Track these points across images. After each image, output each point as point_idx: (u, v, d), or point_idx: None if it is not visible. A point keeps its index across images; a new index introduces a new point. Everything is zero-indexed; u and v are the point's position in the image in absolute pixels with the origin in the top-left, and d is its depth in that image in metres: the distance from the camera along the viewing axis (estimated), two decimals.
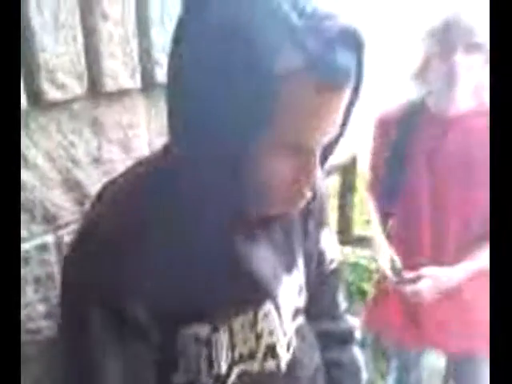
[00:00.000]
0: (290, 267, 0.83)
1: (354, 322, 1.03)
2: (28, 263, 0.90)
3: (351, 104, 0.66)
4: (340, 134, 0.70)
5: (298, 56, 0.54)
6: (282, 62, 0.54)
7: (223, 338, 0.73)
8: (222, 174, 0.62)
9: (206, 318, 0.71)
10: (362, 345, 1.07)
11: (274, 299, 0.77)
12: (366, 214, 1.81)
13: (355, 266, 2.10)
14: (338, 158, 1.51)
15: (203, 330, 0.71)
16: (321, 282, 0.96)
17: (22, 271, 0.90)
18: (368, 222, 2.30)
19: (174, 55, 0.63)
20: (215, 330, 0.72)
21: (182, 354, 0.72)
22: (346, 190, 1.56)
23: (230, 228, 0.71)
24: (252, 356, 0.77)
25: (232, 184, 0.64)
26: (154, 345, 0.69)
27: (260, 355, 0.78)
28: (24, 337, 0.91)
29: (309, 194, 0.66)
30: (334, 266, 0.97)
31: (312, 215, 0.89)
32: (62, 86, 0.87)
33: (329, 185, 1.61)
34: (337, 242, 1.04)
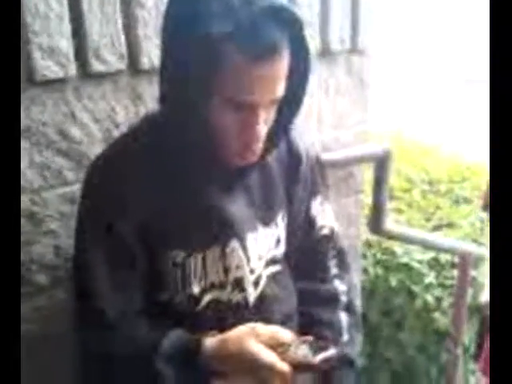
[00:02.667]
0: (267, 221, 0.97)
1: (342, 288, 1.11)
2: (73, 202, 1.14)
3: (299, 73, 0.80)
4: (298, 97, 0.84)
5: (228, 23, 0.69)
6: (217, 27, 0.70)
7: (196, 264, 0.90)
8: (193, 129, 0.80)
9: (181, 245, 0.89)
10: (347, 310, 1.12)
11: (241, 240, 0.93)
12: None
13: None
14: (370, 148, 1.58)
15: (179, 254, 0.89)
16: (311, 246, 1.08)
17: (69, 210, 1.14)
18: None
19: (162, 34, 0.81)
20: (189, 256, 0.90)
21: (162, 275, 0.90)
22: (379, 185, 1.62)
23: (206, 177, 0.88)
24: (222, 286, 0.93)
25: (200, 136, 0.81)
26: (139, 264, 0.89)
27: (228, 286, 0.94)
28: None
29: (257, 148, 0.81)
30: (323, 232, 1.09)
31: (299, 180, 1.02)
32: (105, 62, 1.09)
33: (363, 178, 1.68)
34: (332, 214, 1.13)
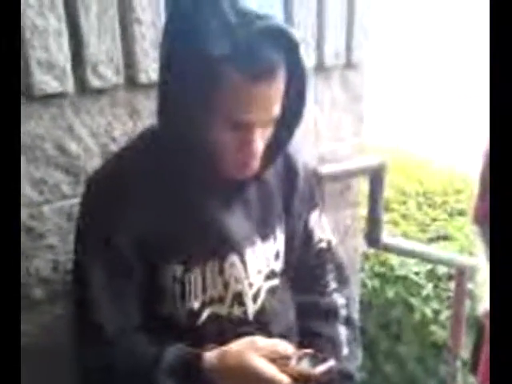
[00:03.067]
0: (265, 235, 0.98)
1: (341, 301, 1.10)
2: (71, 217, 1.14)
3: (296, 93, 0.81)
4: (295, 116, 0.84)
5: (226, 43, 0.70)
6: (214, 46, 0.71)
7: (195, 278, 0.90)
8: (192, 145, 0.81)
9: (180, 260, 0.89)
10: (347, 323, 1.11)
11: (240, 254, 0.93)
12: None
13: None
14: (365, 161, 1.60)
15: (178, 269, 0.89)
16: (309, 260, 1.09)
17: (67, 224, 1.14)
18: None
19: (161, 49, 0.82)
20: (188, 270, 0.89)
21: (161, 290, 0.90)
22: (375, 198, 1.63)
23: (205, 192, 0.89)
24: (221, 300, 0.93)
25: (198, 151, 0.81)
26: (138, 279, 0.88)
27: (228, 301, 0.94)
28: None
29: (254, 164, 0.82)
30: (321, 245, 1.09)
31: (296, 193, 1.03)
32: (102, 77, 1.10)
33: (359, 190, 1.69)
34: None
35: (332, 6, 1.41)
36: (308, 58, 1.41)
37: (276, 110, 0.80)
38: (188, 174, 0.86)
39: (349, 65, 1.51)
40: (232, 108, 0.76)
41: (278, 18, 0.76)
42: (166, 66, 0.81)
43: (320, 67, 1.45)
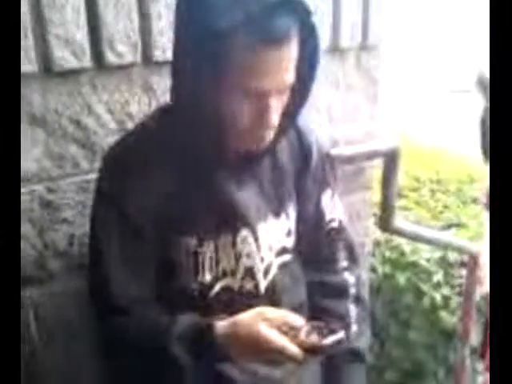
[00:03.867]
0: (277, 212, 0.99)
1: (352, 280, 1.12)
2: (88, 191, 1.16)
3: (308, 62, 0.82)
4: (305, 88, 0.86)
5: (238, 12, 0.72)
6: (227, 20, 0.72)
7: (208, 252, 0.92)
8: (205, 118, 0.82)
9: (193, 233, 0.90)
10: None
11: (251, 229, 0.94)
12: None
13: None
14: (379, 144, 1.59)
15: (191, 242, 0.91)
16: (320, 237, 1.10)
17: (83, 198, 1.16)
18: None
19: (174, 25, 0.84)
20: (201, 243, 0.91)
21: (174, 263, 0.92)
22: (388, 181, 1.62)
23: (217, 166, 0.90)
24: (233, 274, 0.95)
25: (211, 126, 0.83)
26: (152, 250, 0.90)
27: (239, 274, 0.95)
28: None
29: (269, 134, 0.84)
30: (333, 225, 1.10)
31: (309, 173, 1.03)
32: (119, 54, 1.11)
33: (372, 175, 1.69)
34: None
35: None
36: (323, 39, 1.41)
37: (290, 77, 0.81)
38: (201, 149, 0.87)
39: (364, 47, 1.50)
40: (246, 76, 0.77)
41: None
42: (178, 41, 0.83)
43: (335, 48, 1.45)
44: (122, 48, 1.11)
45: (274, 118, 0.83)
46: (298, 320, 0.84)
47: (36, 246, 1.13)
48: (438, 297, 2.08)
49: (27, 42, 1.02)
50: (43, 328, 1.17)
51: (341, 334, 0.80)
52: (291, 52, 0.78)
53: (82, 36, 1.07)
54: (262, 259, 0.97)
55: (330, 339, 0.80)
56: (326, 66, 1.45)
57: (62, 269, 1.17)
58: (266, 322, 0.81)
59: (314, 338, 0.80)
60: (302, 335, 0.81)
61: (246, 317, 0.84)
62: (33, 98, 1.07)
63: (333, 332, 0.81)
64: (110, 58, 1.11)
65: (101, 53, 1.10)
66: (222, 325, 0.84)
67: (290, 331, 0.81)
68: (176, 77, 0.86)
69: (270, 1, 0.72)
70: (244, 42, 0.74)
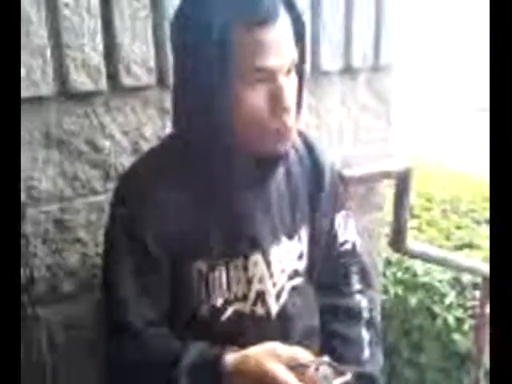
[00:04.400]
0: (290, 234, 0.99)
1: (364, 303, 1.11)
2: (101, 211, 1.17)
3: (299, 42, 0.85)
4: (301, 62, 0.88)
5: (231, 8, 0.77)
6: (222, 15, 0.77)
7: (220, 276, 0.92)
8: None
9: (205, 257, 0.90)
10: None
11: (264, 252, 0.94)
12: None
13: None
14: (391, 165, 1.59)
15: (203, 266, 0.91)
16: (333, 260, 1.09)
17: (96, 218, 1.17)
18: None
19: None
20: (213, 267, 0.91)
21: (186, 286, 0.92)
22: (400, 202, 1.62)
23: (231, 189, 0.90)
24: (244, 298, 0.95)
25: (223, 131, 0.83)
26: (165, 275, 0.91)
27: (251, 299, 0.95)
28: None
29: (290, 121, 0.84)
30: (346, 247, 1.10)
31: (323, 193, 1.03)
32: (135, 76, 1.13)
33: (385, 195, 1.69)
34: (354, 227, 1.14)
35: (360, 8, 1.42)
36: (335, 60, 1.42)
37: (291, 53, 0.83)
38: (213, 171, 0.87)
39: (376, 68, 1.51)
40: (250, 58, 0.79)
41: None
42: (178, 56, 0.86)
43: (347, 69, 1.46)
44: (138, 71, 1.13)
45: (289, 99, 0.83)
46: (307, 356, 0.83)
47: (49, 265, 1.14)
48: (450, 319, 2.05)
49: (46, 65, 1.03)
50: (55, 348, 1.17)
51: (348, 376, 0.80)
52: (285, 29, 0.81)
53: (98, 59, 1.08)
54: (274, 284, 0.96)
55: (339, 382, 0.79)
56: (337, 86, 1.46)
57: (75, 289, 1.17)
58: (275, 358, 0.80)
59: (323, 376, 0.80)
60: (311, 372, 0.80)
61: (255, 351, 0.83)
62: (49, 119, 1.08)
63: (342, 373, 0.80)
64: (126, 80, 1.12)
65: (117, 75, 1.11)
66: (232, 357, 0.83)
67: (298, 367, 0.81)
68: (180, 95, 0.88)
69: None
70: (240, 28, 0.77)
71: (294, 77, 0.86)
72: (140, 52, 1.12)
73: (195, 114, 0.84)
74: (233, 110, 0.81)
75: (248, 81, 0.80)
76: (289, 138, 0.86)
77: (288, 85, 0.83)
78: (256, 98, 0.81)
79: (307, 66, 1.31)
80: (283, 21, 0.81)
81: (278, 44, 0.80)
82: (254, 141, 0.85)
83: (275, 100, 0.82)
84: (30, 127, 1.07)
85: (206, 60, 0.78)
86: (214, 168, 0.87)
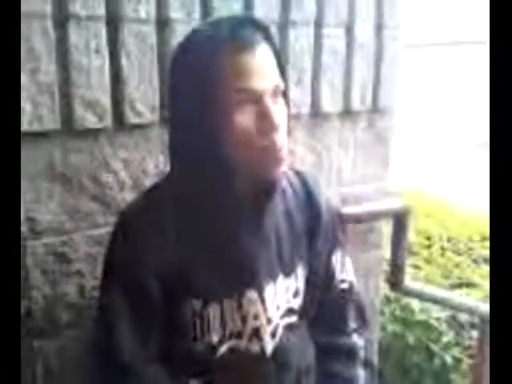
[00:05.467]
0: (287, 272, 1.00)
1: (361, 343, 1.11)
2: (101, 244, 1.18)
3: (281, 67, 0.91)
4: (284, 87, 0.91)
5: (218, 37, 0.84)
6: (211, 45, 0.84)
7: (214, 313, 0.93)
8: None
9: (199, 295, 0.91)
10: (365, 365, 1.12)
11: (259, 290, 0.95)
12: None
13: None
14: (389, 204, 1.61)
15: (197, 304, 0.92)
16: (330, 299, 1.10)
17: (95, 251, 1.19)
18: None
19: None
20: (206, 305, 0.92)
21: (181, 324, 0.93)
22: (398, 241, 1.63)
23: (226, 220, 0.91)
24: (239, 335, 0.95)
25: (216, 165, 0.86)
26: (160, 314, 0.91)
27: (246, 335, 0.95)
28: None
29: (280, 142, 0.87)
30: (343, 286, 1.11)
31: (320, 232, 1.05)
32: (139, 114, 1.16)
33: (383, 233, 1.71)
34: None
35: (360, 52, 1.46)
36: (335, 102, 1.46)
37: (274, 78, 0.87)
38: (208, 209, 0.89)
39: (375, 109, 1.55)
40: (235, 79, 0.83)
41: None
42: (170, 94, 0.92)
43: (346, 111, 1.49)
44: (142, 109, 1.16)
45: (277, 118, 0.85)
46: None
47: (47, 297, 1.15)
48: (448, 358, 2.04)
49: (52, 102, 1.07)
50: (51, 380, 1.17)
51: None
52: (265, 55, 0.87)
53: (104, 97, 1.12)
54: (269, 321, 0.97)
55: None
56: (337, 128, 1.50)
57: (73, 321, 1.18)
58: None
59: None
60: None
61: None
62: (53, 154, 1.11)
63: None
64: (131, 118, 1.16)
65: (122, 113, 1.15)
66: None
67: None
68: (173, 131, 0.93)
69: (236, 19, 0.88)
70: (223, 53, 0.83)
71: (281, 104, 0.89)
72: (145, 91, 1.16)
73: (188, 147, 0.88)
74: (224, 133, 0.85)
75: (235, 103, 0.84)
76: (280, 159, 0.88)
77: (275, 107, 0.87)
78: (244, 119, 0.85)
79: (306, 106, 1.36)
80: (261, 47, 0.86)
81: (258, 67, 0.85)
82: (247, 164, 0.87)
83: (262, 119, 0.85)
84: (34, 161, 1.09)
85: (195, 87, 0.84)
86: (210, 205, 0.89)
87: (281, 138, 0.87)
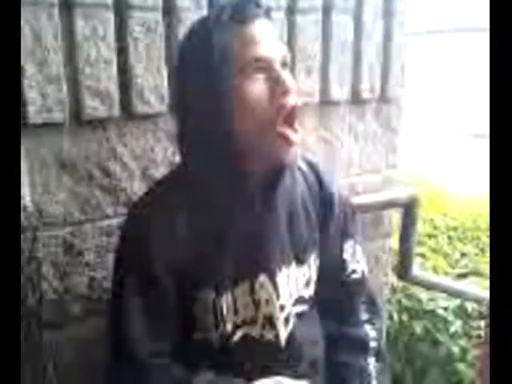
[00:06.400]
0: (301, 260, 0.99)
1: (372, 334, 1.10)
2: (111, 235, 1.18)
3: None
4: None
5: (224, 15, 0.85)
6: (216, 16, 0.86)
7: (227, 302, 0.92)
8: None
9: (212, 286, 0.91)
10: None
11: (270, 275, 0.94)
12: None
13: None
14: (397, 193, 1.60)
15: (210, 295, 0.91)
16: (341, 289, 1.09)
17: (105, 242, 1.18)
18: None
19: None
20: (219, 295, 0.91)
21: (194, 315, 0.93)
22: (407, 231, 1.63)
23: (237, 203, 0.90)
24: (253, 321, 0.95)
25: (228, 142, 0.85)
26: (172, 304, 0.91)
27: (259, 322, 0.95)
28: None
29: (293, 104, 0.86)
30: (355, 276, 1.10)
31: (332, 222, 1.04)
32: (147, 104, 1.15)
33: (392, 223, 1.69)
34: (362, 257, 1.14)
35: (369, 41, 1.45)
36: (344, 90, 1.44)
37: (282, 48, 0.88)
38: (218, 194, 0.88)
39: (384, 98, 1.53)
40: (245, 49, 0.84)
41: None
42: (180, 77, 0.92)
43: (355, 100, 1.48)
44: (151, 98, 1.15)
45: (288, 81, 0.85)
46: None
47: (57, 289, 1.14)
48: (455, 348, 2.03)
49: (61, 92, 1.06)
50: (61, 372, 1.17)
51: None
52: (270, 28, 0.88)
53: (112, 87, 1.11)
54: (282, 308, 0.96)
55: None
56: (346, 117, 1.49)
57: (82, 312, 1.18)
58: None
59: None
60: None
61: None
62: (62, 144, 1.10)
63: None
64: (139, 107, 1.14)
65: (130, 103, 1.14)
66: None
67: None
68: (183, 116, 0.92)
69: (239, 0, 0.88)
70: (229, 29, 0.85)
71: (287, 72, 0.89)
72: (153, 80, 1.15)
73: (200, 131, 0.87)
74: (236, 107, 0.84)
75: (246, 75, 0.84)
76: (294, 128, 0.87)
77: (285, 73, 0.87)
78: (256, 89, 0.84)
79: (315, 94, 1.34)
80: (263, 20, 0.88)
81: (266, 38, 0.86)
82: (260, 138, 0.86)
83: (275, 84, 0.85)
84: (43, 152, 1.09)
85: (208, 62, 0.84)
86: (220, 190, 0.88)
87: (293, 100, 0.86)
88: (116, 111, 1.13)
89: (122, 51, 1.11)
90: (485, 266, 2.33)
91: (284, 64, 0.88)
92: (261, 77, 0.85)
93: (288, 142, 0.86)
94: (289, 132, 0.86)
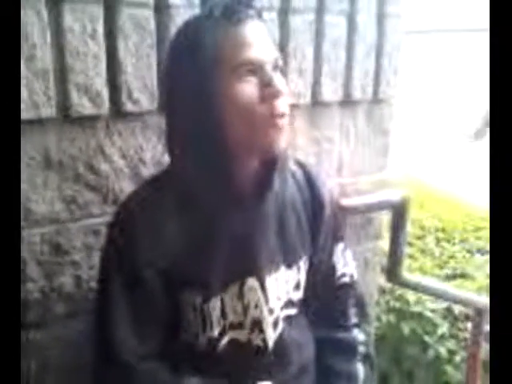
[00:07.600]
0: (290, 263, 0.98)
1: (361, 337, 1.10)
2: (97, 234, 1.16)
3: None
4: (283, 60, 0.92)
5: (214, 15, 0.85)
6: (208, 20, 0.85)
7: (214, 306, 0.91)
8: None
9: (199, 289, 0.90)
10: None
11: (259, 278, 0.93)
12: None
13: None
14: (388, 195, 1.60)
15: (197, 298, 0.90)
16: (331, 293, 1.09)
17: (92, 241, 1.16)
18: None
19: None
20: (207, 299, 0.90)
21: (182, 318, 0.92)
22: (397, 233, 1.62)
23: (226, 207, 0.89)
24: (241, 326, 0.94)
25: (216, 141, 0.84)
26: (158, 307, 0.90)
27: (247, 326, 0.94)
28: None
29: (282, 109, 0.85)
30: (344, 280, 1.09)
31: (323, 225, 1.03)
32: (137, 102, 1.13)
33: (382, 225, 1.69)
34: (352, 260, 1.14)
35: (361, 42, 1.44)
36: (336, 91, 1.43)
37: (274, 52, 0.87)
38: (207, 196, 0.87)
39: (376, 99, 1.53)
40: (236, 53, 0.83)
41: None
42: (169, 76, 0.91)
43: (347, 101, 1.47)
44: (140, 96, 1.13)
45: (280, 85, 0.84)
46: None
47: (43, 288, 1.12)
48: (442, 350, 2.04)
49: (48, 89, 1.04)
50: (46, 372, 1.15)
51: None
52: (261, 30, 0.87)
53: (101, 84, 1.09)
54: (271, 311, 0.95)
55: None
56: (337, 118, 1.48)
57: (68, 312, 1.16)
58: None
59: None
60: None
61: None
62: (49, 141, 1.08)
63: None
64: (128, 105, 1.13)
65: (119, 100, 1.12)
66: None
67: None
68: (173, 116, 0.91)
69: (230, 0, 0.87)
70: (220, 29, 0.84)
71: (281, 78, 0.88)
72: (142, 78, 1.13)
73: (189, 130, 0.86)
74: (226, 108, 0.83)
75: (237, 77, 0.83)
76: (282, 128, 0.86)
77: (277, 76, 0.86)
78: (246, 91, 0.83)
79: (306, 95, 1.33)
80: (259, 24, 0.87)
81: (258, 40, 0.85)
82: (248, 137, 0.85)
83: (265, 87, 0.84)
84: (29, 149, 1.07)
85: (195, 66, 0.83)
86: (208, 192, 0.87)
87: (283, 105, 0.85)
88: (105, 109, 1.11)
89: (111, 48, 1.10)
90: (472, 269, 2.34)
91: (276, 67, 0.87)
92: (252, 79, 0.84)
93: (276, 128, 0.85)
94: (277, 120, 0.85)
